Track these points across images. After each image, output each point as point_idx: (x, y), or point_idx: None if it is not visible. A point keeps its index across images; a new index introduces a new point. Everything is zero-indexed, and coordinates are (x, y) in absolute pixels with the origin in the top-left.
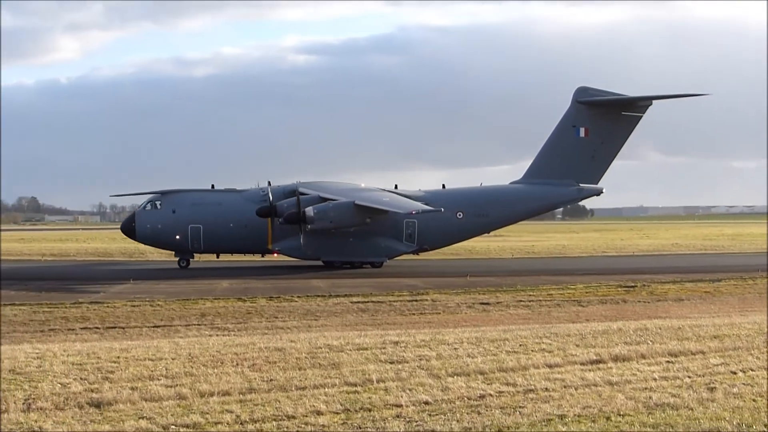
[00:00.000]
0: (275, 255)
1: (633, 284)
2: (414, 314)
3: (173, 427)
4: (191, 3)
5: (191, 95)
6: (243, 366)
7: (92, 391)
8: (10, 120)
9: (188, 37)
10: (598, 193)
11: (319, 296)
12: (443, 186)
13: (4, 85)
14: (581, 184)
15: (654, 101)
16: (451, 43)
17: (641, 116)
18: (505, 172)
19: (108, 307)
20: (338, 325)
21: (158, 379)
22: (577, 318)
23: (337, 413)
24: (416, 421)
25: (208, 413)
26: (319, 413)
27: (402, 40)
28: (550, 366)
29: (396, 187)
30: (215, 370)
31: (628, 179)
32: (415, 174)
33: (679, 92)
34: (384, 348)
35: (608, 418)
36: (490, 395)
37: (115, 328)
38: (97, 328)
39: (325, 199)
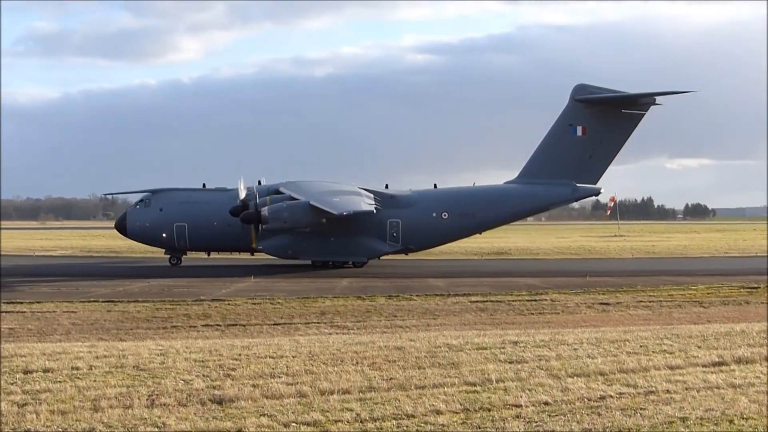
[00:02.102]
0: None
1: (756, 285)
2: (533, 314)
3: (294, 424)
4: (312, 3)
5: (311, 95)
6: (363, 364)
7: (214, 387)
8: (134, 118)
9: (308, 36)
10: (596, 193)
11: (437, 295)
12: (435, 186)
13: (128, 84)
14: (578, 184)
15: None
16: (571, 41)
17: (643, 114)
18: (625, 171)
19: (229, 304)
20: (457, 324)
21: (279, 377)
22: (699, 319)
23: (457, 413)
24: (536, 422)
25: (328, 411)
26: (438, 412)
27: (521, 39)
28: (671, 368)
29: (387, 186)
30: (335, 368)
31: (752, 179)
32: None
33: None
34: (503, 348)
35: (731, 422)
36: (611, 396)
37: (236, 325)
38: (218, 325)
39: (294, 199)
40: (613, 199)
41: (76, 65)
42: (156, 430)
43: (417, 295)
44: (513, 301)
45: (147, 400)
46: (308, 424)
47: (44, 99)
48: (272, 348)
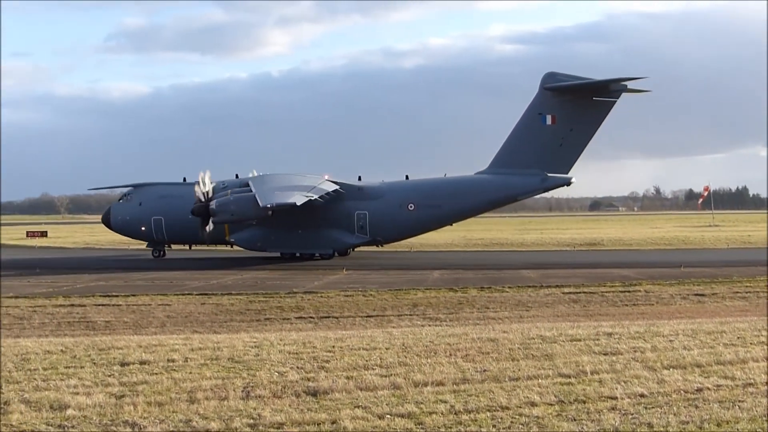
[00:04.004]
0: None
1: None
2: (626, 305)
3: (388, 416)
4: None
5: (399, 86)
6: (456, 356)
7: (308, 379)
8: (224, 112)
9: (396, 28)
10: (567, 182)
11: (530, 287)
12: (406, 177)
13: (218, 78)
14: (549, 174)
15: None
16: (661, 30)
17: (615, 101)
18: (719, 160)
19: (322, 296)
20: (550, 315)
21: (373, 369)
22: None
23: (551, 404)
24: (632, 414)
25: (422, 403)
26: (533, 404)
27: (610, 28)
28: None
29: (360, 178)
30: (429, 360)
31: None
32: (624, 164)
33: None
34: (597, 339)
35: None
36: (708, 389)
37: (329, 317)
38: (311, 317)
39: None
40: (707, 189)
41: (167, 60)
42: (251, 421)
43: (509, 287)
44: (606, 292)
45: (242, 391)
46: (402, 416)
47: (136, 94)
48: (365, 340)
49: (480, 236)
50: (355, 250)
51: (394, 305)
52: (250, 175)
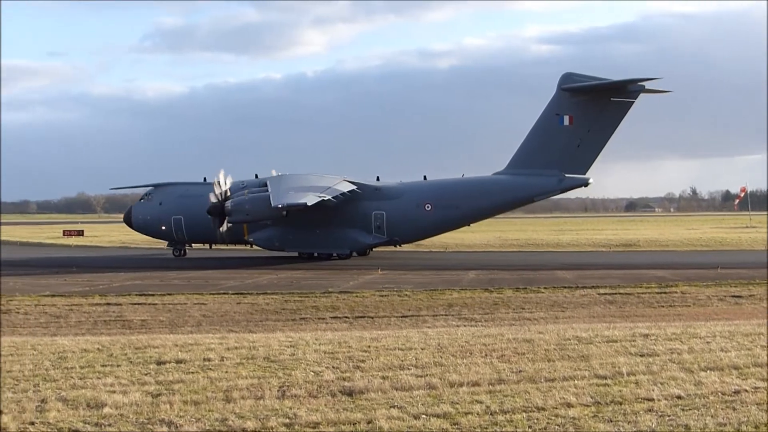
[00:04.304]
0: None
1: None
2: (663, 307)
3: (424, 416)
4: None
5: (434, 87)
6: (492, 357)
7: (344, 379)
8: (258, 112)
9: (432, 28)
10: (585, 183)
11: (565, 288)
12: (424, 177)
13: (253, 78)
14: (566, 175)
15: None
16: (696, 30)
17: (632, 102)
18: (756, 161)
19: (357, 296)
20: (586, 316)
21: (408, 369)
22: None
23: (588, 406)
24: (668, 416)
25: (458, 403)
26: (569, 405)
27: (645, 28)
28: None
29: (378, 179)
30: (464, 361)
31: None
32: (661, 164)
33: None
34: (634, 340)
35: None
36: (746, 391)
37: (364, 317)
38: (346, 317)
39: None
40: (743, 190)
41: (202, 60)
42: (287, 421)
43: (544, 288)
44: (642, 293)
45: (278, 391)
46: (438, 416)
47: (171, 93)
48: (401, 340)
49: (515, 237)
50: (378, 250)
51: (429, 305)
52: (273, 175)
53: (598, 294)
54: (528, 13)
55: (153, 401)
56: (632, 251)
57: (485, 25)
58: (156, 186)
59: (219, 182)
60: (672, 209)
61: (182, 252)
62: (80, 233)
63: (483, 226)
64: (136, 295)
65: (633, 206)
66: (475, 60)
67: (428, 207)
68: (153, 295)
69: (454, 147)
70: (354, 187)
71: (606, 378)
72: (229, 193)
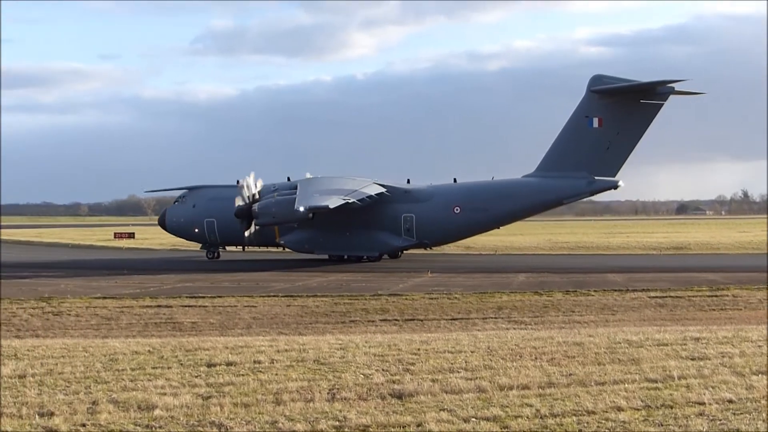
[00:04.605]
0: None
1: None
2: (714, 310)
3: (474, 419)
4: None
5: (484, 89)
6: (541, 360)
7: (394, 382)
8: (309, 114)
9: (481, 30)
10: (615, 186)
11: (616, 291)
12: (454, 180)
13: (303, 80)
14: (596, 177)
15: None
16: (749, 31)
17: (662, 104)
18: None
19: (406, 299)
20: (636, 319)
21: (458, 372)
22: None
23: (638, 410)
24: (720, 420)
25: (507, 407)
26: (619, 409)
27: (698, 30)
28: None
29: (408, 181)
30: (514, 364)
31: None
32: (712, 167)
33: None
34: (684, 344)
35: None
36: None
37: (413, 320)
38: (396, 320)
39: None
40: None
41: (253, 63)
42: (337, 423)
43: (595, 291)
44: (693, 296)
45: (328, 393)
46: (488, 420)
47: (222, 96)
48: (450, 343)
49: (565, 239)
50: (427, 252)
51: (479, 308)
52: (306, 177)
53: (649, 297)
54: (579, 14)
55: (203, 403)
56: (683, 254)
57: (535, 27)
58: (190, 189)
59: (248, 185)
60: (723, 212)
61: (216, 254)
62: (131, 236)
63: (532, 228)
64: (187, 297)
65: (684, 209)
66: (525, 62)
67: (457, 210)
68: (203, 297)
69: (500, 148)
70: (383, 189)
71: (657, 381)
72: (257, 196)
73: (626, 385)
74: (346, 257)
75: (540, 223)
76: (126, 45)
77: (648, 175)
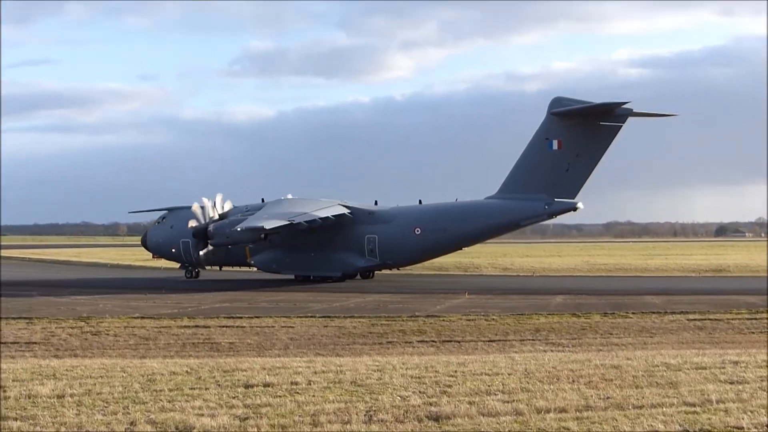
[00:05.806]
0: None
1: None
2: (753, 333)
3: None
4: (524, 19)
5: (522, 110)
6: (579, 383)
7: (431, 404)
8: (347, 135)
9: (519, 52)
10: (573, 207)
11: (654, 313)
12: (419, 202)
13: (342, 102)
14: (555, 199)
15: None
16: None
17: (621, 126)
18: None
19: (444, 320)
20: (674, 342)
21: (495, 394)
22: None
23: None
24: None
25: (545, 430)
26: None
27: (738, 52)
28: None
29: (376, 203)
30: (551, 387)
31: None
32: (752, 189)
33: None
34: (723, 368)
35: None
36: None
37: (451, 341)
38: (433, 341)
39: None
40: None
41: (291, 84)
42: None
43: (633, 313)
44: (732, 319)
45: (365, 415)
46: None
47: (260, 117)
48: (488, 365)
49: (603, 261)
50: (464, 273)
51: (516, 330)
52: (287, 198)
53: (687, 320)
54: (618, 36)
55: (241, 424)
56: (722, 276)
57: (574, 49)
58: (169, 210)
59: (206, 206)
60: (763, 234)
61: (194, 274)
62: None
63: (570, 250)
64: (224, 317)
65: (723, 231)
66: (563, 83)
67: (418, 231)
68: (241, 317)
69: None
70: (346, 211)
71: (695, 405)
72: (216, 217)
73: (664, 409)
74: (312, 277)
75: (579, 245)
76: (164, 65)
77: (687, 197)
